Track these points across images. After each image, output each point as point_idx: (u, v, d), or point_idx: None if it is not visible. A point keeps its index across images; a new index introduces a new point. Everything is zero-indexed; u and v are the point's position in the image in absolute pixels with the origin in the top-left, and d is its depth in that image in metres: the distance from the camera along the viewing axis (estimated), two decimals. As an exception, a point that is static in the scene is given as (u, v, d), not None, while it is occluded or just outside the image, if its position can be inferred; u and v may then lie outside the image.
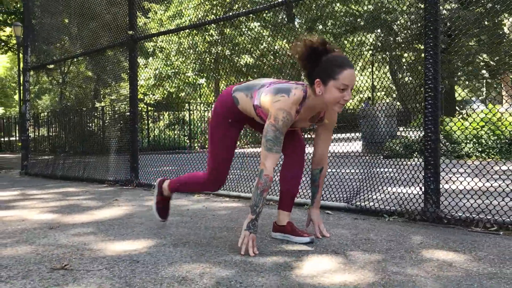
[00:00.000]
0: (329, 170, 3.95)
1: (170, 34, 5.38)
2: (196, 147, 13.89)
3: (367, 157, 3.93)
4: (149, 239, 2.52)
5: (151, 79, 10.00)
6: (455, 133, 6.49)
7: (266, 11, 4.42)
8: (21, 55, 7.44)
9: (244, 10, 4.34)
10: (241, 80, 4.75)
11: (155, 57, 8.72)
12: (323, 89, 2.12)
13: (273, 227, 2.54)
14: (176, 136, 14.56)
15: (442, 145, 7.23)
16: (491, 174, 2.91)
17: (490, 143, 7.14)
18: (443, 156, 6.75)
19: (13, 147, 20.57)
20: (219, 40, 7.97)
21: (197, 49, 7.39)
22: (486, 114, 6.46)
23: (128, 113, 5.36)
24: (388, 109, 4.52)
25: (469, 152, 7.17)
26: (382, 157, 5.23)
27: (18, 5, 17.32)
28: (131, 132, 5.26)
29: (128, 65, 5.27)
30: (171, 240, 2.50)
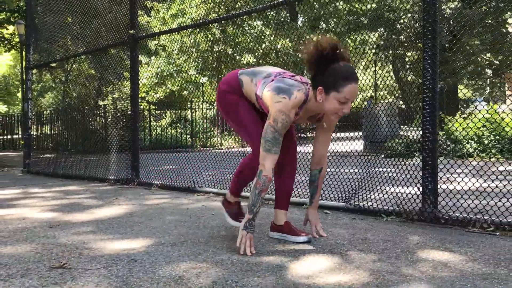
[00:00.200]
0: (330, 169, 3.97)
1: (172, 33, 5.39)
2: (198, 146, 13.92)
3: (368, 157, 3.94)
4: (147, 238, 2.54)
5: (154, 77, 10.04)
6: (458, 131, 6.50)
7: (268, 10, 4.41)
8: (24, 53, 7.46)
9: (246, 10, 4.33)
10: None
11: (157, 55, 8.75)
12: (324, 97, 2.14)
13: (271, 226, 2.56)
14: (178, 135, 14.59)
15: (443, 145, 7.23)
16: (488, 175, 2.92)
17: (491, 143, 7.13)
18: (444, 156, 6.75)
19: (15, 145, 20.65)
20: (222, 39, 7.99)
21: (199, 48, 7.41)
22: (487, 113, 6.45)
23: (129, 112, 5.38)
24: (390, 108, 4.52)
25: (471, 151, 7.16)
26: (383, 156, 5.25)
27: (21, 3, 17.38)
28: (132, 131, 5.29)
29: (129, 64, 5.29)
30: (169, 239, 2.52)
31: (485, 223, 2.63)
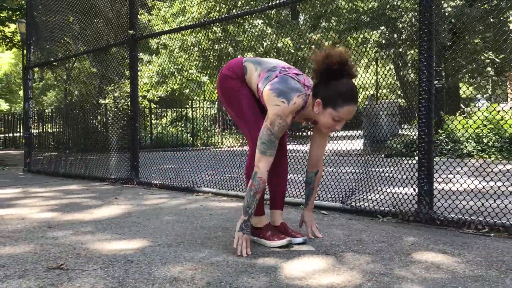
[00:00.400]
0: (328, 169, 4.00)
1: (172, 33, 5.40)
2: (199, 145, 13.95)
3: (367, 156, 3.96)
4: (144, 239, 2.57)
5: (155, 76, 10.06)
6: (457, 130, 6.50)
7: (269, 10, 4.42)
8: (25, 52, 7.50)
9: (246, 10, 4.34)
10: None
11: (159, 54, 8.77)
12: (320, 110, 2.16)
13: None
14: (179, 133, 14.63)
15: (442, 144, 7.25)
16: (483, 177, 2.93)
17: (490, 142, 7.14)
18: (443, 156, 6.77)
19: (17, 143, 20.71)
20: (223, 37, 8.01)
21: (200, 46, 7.43)
22: (486, 110, 6.46)
23: (129, 112, 5.40)
24: (390, 107, 4.53)
25: (470, 151, 7.17)
26: (383, 155, 5.26)
27: (23, 1, 17.41)
28: (132, 130, 5.31)
29: (129, 64, 5.31)
30: (166, 240, 2.55)
31: (480, 224, 2.65)
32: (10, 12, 19.22)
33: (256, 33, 6.73)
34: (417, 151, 2.89)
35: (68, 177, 6.26)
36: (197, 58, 7.91)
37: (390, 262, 2.06)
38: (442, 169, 3.05)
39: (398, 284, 1.77)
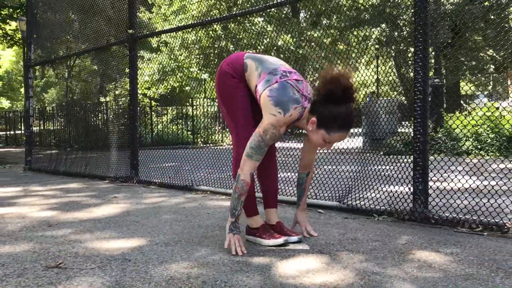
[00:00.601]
0: (326, 167, 4.03)
1: (172, 32, 5.42)
2: (199, 142, 13.98)
3: (366, 154, 3.98)
4: (142, 238, 2.61)
5: (155, 74, 10.08)
6: (456, 127, 6.52)
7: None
8: (25, 50, 7.54)
9: (246, 9, 4.36)
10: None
11: (159, 52, 8.79)
12: (314, 128, 2.19)
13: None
14: (179, 131, 14.66)
15: (440, 142, 7.27)
16: (477, 176, 2.96)
17: (489, 140, 7.16)
18: (442, 153, 6.79)
19: (18, 141, 20.77)
20: (223, 35, 8.03)
21: (201, 44, 7.45)
22: (484, 106, 6.48)
23: (129, 110, 5.43)
24: (389, 105, 4.55)
25: (469, 149, 7.19)
26: (382, 153, 5.28)
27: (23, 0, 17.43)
28: (131, 129, 5.34)
29: (128, 63, 5.34)
30: (164, 238, 2.58)
31: (474, 223, 2.68)
32: (11, 9, 19.26)
33: (256, 31, 6.74)
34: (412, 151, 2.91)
35: (69, 175, 6.30)
36: (197, 56, 7.93)
37: (383, 261, 2.09)
38: (437, 168, 3.07)
39: (389, 283, 1.80)
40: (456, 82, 13.77)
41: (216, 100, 2.63)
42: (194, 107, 15.10)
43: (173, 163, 5.53)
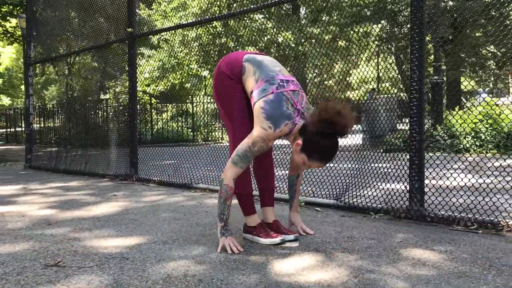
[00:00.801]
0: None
1: (171, 30, 5.43)
2: (199, 140, 14.01)
3: (365, 152, 3.99)
4: (141, 236, 2.63)
5: (156, 71, 10.10)
6: (457, 124, 6.54)
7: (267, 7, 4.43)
8: (25, 48, 7.56)
9: (246, 8, 4.37)
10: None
11: (159, 49, 8.80)
12: (297, 150, 2.23)
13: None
14: (179, 128, 14.69)
15: (440, 139, 7.28)
16: (472, 174, 2.99)
17: (488, 137, 7.18)
18: (442, 151, 6.81)
19: (19, 138, 20.81)
20: (223, 32, 8.03)
21: (201, 41, 7.47)
22: (483, 102, 6.49)
23: (128, 109, 5.46)
24: (388, 102, 4.57)
25: (468, 146, 7.21)
26: (381, 151, 5.29)
27: (23, -3, 17.45)
28: (130, 127, 5.37)
29: (127, 62, 5.35)
30: (162, 237, 2.61)
31: (469, 221, 2.71)
32: (11, 6, 19.26)
33: (257, 28, 6.76)
34: (408, 149, 2.94)
35: (69, 173, 6.33)
36: (197, 53, 7.94)
37: (378, 259, 2.12)
38: (433, 166, 3.09)
39: (383, 281, 1.83)
40: (457, 78, 13.77)
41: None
42: (194, 104, 15.12)
43: (173, 161, 5.56)
